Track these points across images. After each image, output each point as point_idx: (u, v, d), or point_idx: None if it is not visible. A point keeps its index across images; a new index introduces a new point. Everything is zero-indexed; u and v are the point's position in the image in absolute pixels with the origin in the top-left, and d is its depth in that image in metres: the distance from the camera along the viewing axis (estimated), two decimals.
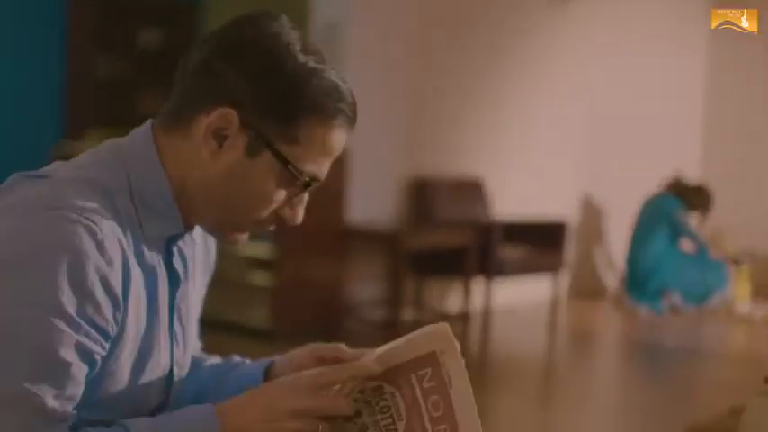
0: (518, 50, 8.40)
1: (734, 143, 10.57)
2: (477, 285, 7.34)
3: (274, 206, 1.59)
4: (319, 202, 7.57)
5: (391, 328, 6.58)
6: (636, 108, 9.78)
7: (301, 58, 1.54)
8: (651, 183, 9.17)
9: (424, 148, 7.65)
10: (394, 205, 7.42)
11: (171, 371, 1.65)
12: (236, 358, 1.89)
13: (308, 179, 1.56)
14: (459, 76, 7.87)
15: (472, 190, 7.87)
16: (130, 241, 1.50)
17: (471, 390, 1.49)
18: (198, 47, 1.56)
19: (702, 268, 8.75)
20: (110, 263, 1.43)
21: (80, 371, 1.42)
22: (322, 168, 1.58)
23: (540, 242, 7.72)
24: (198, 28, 8.63)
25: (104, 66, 8.26)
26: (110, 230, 1.45)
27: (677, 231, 8.83)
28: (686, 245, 9.03)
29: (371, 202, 7.17)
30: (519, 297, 8.25)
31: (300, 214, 1.63)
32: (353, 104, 1.58)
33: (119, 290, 1.45)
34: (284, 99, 1.52)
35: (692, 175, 9.99)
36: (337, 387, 1.52)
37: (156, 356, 1.59)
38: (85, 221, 1.42)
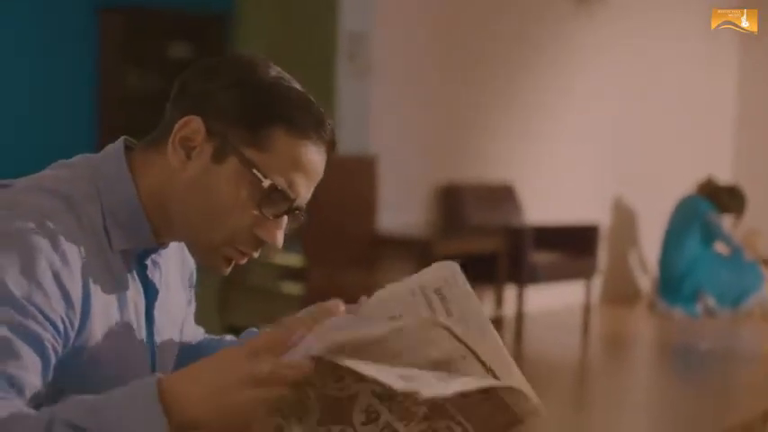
0: (546, 54, 8.38)
1: (766, 143, 10.51)
2: (510, 291, 7.32)
3: (246, 220, 1.53)
4: (349, 209, 7.52)
5: None
6: (667, 110, 9.73)
7: (273, 72, 1.56)
8: (683, 185, 9.12)
9: (453, 155, 7.64)
10: (424, 212, 7.42)
11: None
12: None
13: (273, 184, 1.51)
14: (486, 83, 7.86)
15: (503, 195, 7.85)
16: (94, 249, 1.48)
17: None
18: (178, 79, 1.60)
19: (737, 270, 8.69)
20: (64, 261, 1.41)
21: (27, 354, 1.36)
22: (295, 186, 1.54)
23: (573, 247, 7.69)
24: (227, 40, 8.67)
25: (135, 79, 8.33)
26: (67, 233, 1.44)
27: (710, 234, 8.77)
28: (720, 247, 8.97)
29: (401, 209, 7.17)
30: (551, 302, 8.22)
31: (279, 238, 1.55)
32: (326, 123, 1.56)
33: (74, 291, 1.42)
34: (252, 105, 1.53)
35: (725, 176, 9.92)
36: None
37: (130, 367, 1.54)
38: (40, 220, 1.42)
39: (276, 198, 1.52)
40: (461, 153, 7.71)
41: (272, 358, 1.29)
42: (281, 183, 1.52)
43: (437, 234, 7.12)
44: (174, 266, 1.74)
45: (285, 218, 1.56)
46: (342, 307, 1.52)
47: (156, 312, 1.62)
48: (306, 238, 6.43)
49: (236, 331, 1.87)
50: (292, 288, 6.63)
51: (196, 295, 1.87)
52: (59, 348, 1.41)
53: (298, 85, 1.57)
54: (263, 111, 1.52)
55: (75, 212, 1.48)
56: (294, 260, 6.60)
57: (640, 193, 9.47)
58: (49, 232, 1.41)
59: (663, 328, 8.41)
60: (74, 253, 1.43)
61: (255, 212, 1.53)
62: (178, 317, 1.75)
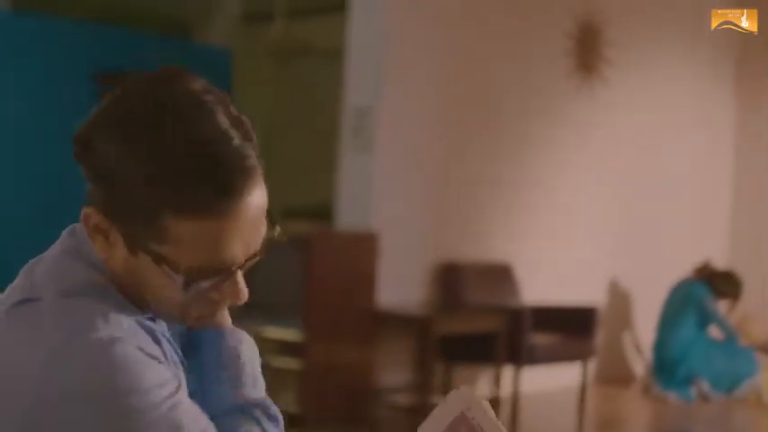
0: (545, 135, 8.45)
1: (763, 229, 10.53)
2: (506, 371, 7.30)
3: (192, 297, 1.32)
4: (349, 285, 7.51)
5: (420, 414, 6.55)
6: (663, 193, 9.77)
7: (163, 127, 1.26)
8: (679, 268, 9.14)
9: (452, 233, 7.67)
10: (423, 290, 7.42)
11: None
12: None
13: (190, 269, 1.28)
14: (487, 161, 7.91)
15: (501, 275, 7.87)
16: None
17: None
18: None
19: (731, 356, 8.68)
20: (154, 357, 1.29)
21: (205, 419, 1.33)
22: (223, 253, 1.28)
23: (570, 328, 7.67)
24: None
25: None
26: (133, 333, 1.29)
27: (706, 318, 8.77)
28: (715, 332, 8.97)
29: (400, 286, 7.18)
30: (548, 382, 8.19)
31: (240, 294, 1.34)
32: (234, 165, 1.27)
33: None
34: (128, 197, 1.27)
35: (720, 260, 9.95)
36: None
37: None
38: (102, 325, 1.26)
39: (207, 275, 1.30)
40: (461, 232, 7.74)
41: None
42: (202, 263, 1.28)
43: (436, 312, 7.12)
44: None
45: (237, 275, 1.33)
46: None
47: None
48: (305, 313, 6.44)
49: None
50: (290, 363, 6.62)
51: None
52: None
53: (211, 117, 1.30)
54: (145, 200, 1.26)
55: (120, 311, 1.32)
56: (292, 335, 6.60)
57: (637, 275, 9.48)
58: (126, 342, 1.27)
59: (657, 411, 8.38)
60: (154, 348, 1.33)
61: (207, 287, 1.32)
62: None
